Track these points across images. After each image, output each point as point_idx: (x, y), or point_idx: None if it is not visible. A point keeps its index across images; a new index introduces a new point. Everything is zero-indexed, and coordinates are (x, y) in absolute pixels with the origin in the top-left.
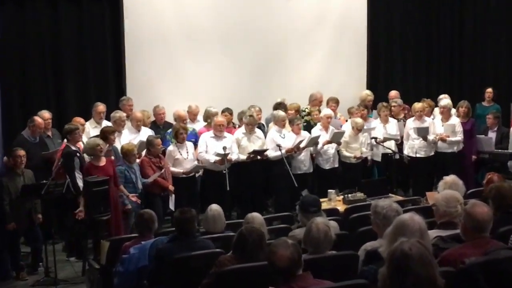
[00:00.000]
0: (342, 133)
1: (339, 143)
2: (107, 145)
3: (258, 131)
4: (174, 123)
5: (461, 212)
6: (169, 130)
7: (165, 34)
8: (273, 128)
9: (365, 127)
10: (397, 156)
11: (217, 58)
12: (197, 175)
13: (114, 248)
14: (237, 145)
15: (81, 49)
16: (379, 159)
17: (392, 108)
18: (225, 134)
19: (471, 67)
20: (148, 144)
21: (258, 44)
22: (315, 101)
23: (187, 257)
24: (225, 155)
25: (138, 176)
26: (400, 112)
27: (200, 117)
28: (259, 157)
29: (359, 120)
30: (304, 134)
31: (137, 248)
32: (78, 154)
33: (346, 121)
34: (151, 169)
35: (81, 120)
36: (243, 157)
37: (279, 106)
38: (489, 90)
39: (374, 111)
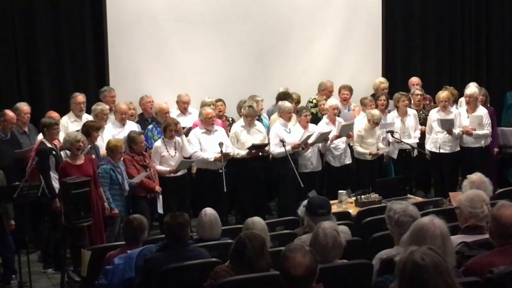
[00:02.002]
0: (351, 125)
1: (349, 136)
2: (89, 144)
3: (258, 124)
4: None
5: (487, 214)
6: (150, 126)
7: (153, 16)
8: (277, 121)
9: (381, 122)
10: (416, 152)
11: (211, 43)
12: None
13: (96, 258)
14: (236, 140)
15: (57, 33)
16: (395, 156)
17: (415, 96)
18: (216, 127)
19: (500, 51)
20: (130, 141)
21: (257, 26)
22: (324, 90)
23: (179, 268)
24: (225, 153)
25: (124, 177)
26: (421, 102)
27: (192, 109)
28: (260, 154)
29: (376, 112)
30: (312, 128)
31: (123, 258)
32: (54, 152)
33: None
34: (134, 169)
35: (56, 114)
36: (243, 153)
37: (285, 96)
38: None
39: (391, 102)
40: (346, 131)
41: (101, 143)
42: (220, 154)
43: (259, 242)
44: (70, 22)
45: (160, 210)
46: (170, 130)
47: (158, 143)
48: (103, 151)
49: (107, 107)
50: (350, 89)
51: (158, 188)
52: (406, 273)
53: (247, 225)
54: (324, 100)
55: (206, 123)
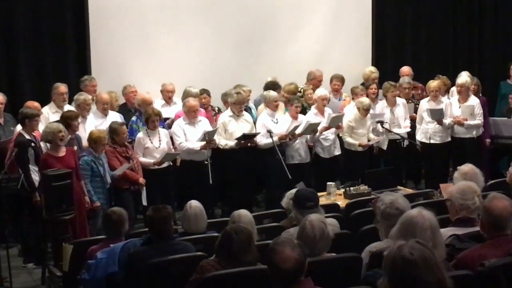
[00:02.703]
0: (341, 117)
1: (338, 127)
2: (69, 135)
3: (246, 114)
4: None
5: (479, 206)
6: (134, 118)
7: (136, 3)
8: (264, 112)
9: (371, 112)
10: (406, 143)
11: (196, 31)
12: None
13: (78, 252)
14: (224, 130)
15: (37, 21)
16: (385, 147)
17: (402, 88)
18: (199, 117)
19: (493, 40)
20: (112, 132)
21: (244, 13)
22: (313, 80)
23: (163, 262)
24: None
25: (106, 169)
26: (410, 93)
27: (176, 98)
28: (249, 144)
29: (365, 99)
30: (301, 119)
31: (105, 252)
32: (33, 144)
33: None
34: (117, 160)
35: (37, 104)
36: (232, 143)
37: (273, 85)
38: None
39: (380, 91)
40: (335, 122)
41: (84, 134)
42: (205, 142)
43: (246, 235)
44: (50, 9)
45: (144, 202)
46: (152, 121)
47: (141, 135)
48: (85, 142)
49: (90, 97)
50: (342, 80)
51: (142, 180)
52: (396, 269)
53: (233, 218)
54: (310, 89)
55: (189, 115)
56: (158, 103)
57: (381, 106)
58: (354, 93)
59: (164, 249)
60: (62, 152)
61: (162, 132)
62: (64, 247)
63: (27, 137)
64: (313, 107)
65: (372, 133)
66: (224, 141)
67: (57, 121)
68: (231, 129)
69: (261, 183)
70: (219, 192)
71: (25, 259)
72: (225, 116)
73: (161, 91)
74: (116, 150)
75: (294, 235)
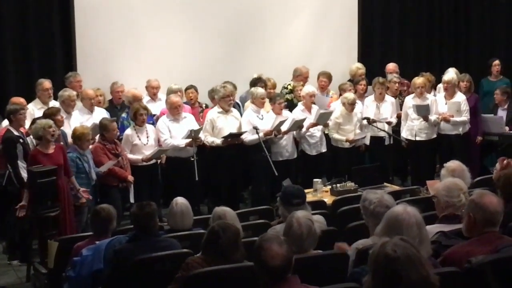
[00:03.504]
0: (330, 114)
1: (326, 125)
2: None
3: (234, 111)
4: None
5: (465, 203)
6: (124, 115)
7: None
8: (249, 108)
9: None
10: (391, 140)
11: (182, 26)
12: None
13: (63, 249)
14: (211, 127)
15: (22, 15)
16: (368, 141)
17: (392, 84)
18: (184, 114)
19: (479, 36)
20: (102, 128)
21: (231, 8)
22: (299, 76)
23: (149, 259)
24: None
25: (91, 165)
26: (398, 90)
27: (161, 95)
28: (236, 142)
29: (349, 94)
30: (286, 115)
31: (91, 249)
32: (21, 140)
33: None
34: (106, 157)
35: (22, 100)
36: (218, 141)
37: (258, 82)
38: (497, 62)
39: (369, 88)
40: (323, 119)
41: (69, 130)
42: (190, 140)
43: (233, 233)
44: (36, 5)
45: (132, 199)
46: (140, 114)
47: (129, 131)
48: (70, 138)
49: (74, 93)
50: (329, 77)
51: (130, 178)
52: (379, 266)
53: (216, 214)
54: (301, 86)
55: (173, 112)
56: (143, 100)
57: (369, 100)
58: (342, 90)
59: (149, 246)
60: (52, 148)
61: (150, 128)
62: (49, 244)
63: (16, 133)
64: (300, 104)
65: (360, 130)
66: (211, 138)
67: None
68: (219, 126)
69: (248, 180)
70: (205, 189)
71: (10, 256)
72: (214, 112)
73: (146, 87)
74: (106, 147)
75: (280, 232)
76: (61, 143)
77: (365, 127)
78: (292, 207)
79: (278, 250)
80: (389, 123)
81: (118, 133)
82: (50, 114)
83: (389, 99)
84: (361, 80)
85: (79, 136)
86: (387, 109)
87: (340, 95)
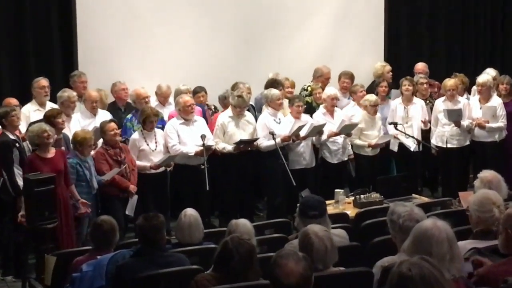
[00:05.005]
0: (354, 126)
1: (349, 135)
2: (55, 134)
3: (248, 115)
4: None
5: (498, 217)
6: (129, 116)
7: None
8: (265, 111)
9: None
10: (420, 147)
11: (192, 23)
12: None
13: (62, 264)
14: (222, 132)
15: (19, 9)
16: (395, 148)
17: (419, 85)
18: (195, 117)
19: None
20: (100, 130)
21: (245, 3)
22: (320, 77)
23: (154, 276)
24: (207, 146)
25: (93, 173)
26: (427, 91)
27: (172, 99)
28: (249, 149)
29: (371, 96)
30: (305, 119)
31: (92, 265)
32: (17, 144)
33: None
34: (106, 164)
35: (14, 100)
36: (230, 147)
37: (274, 83)
38: None
39: (393, 91)
40: (347, 130)
41: (69, 134)
42: (201, 148)
43: (247, 250)
44: None
45: (128, 211)
46: (150, 121)
47: (136, 136)
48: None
49: (74, 93)
50: (351, 77)
51: (132, 188)
52: (392, 285)
53: (230, 228)
54: (319, 88)
55: (185, 112)
56: (151, 103)
57: (396, 103)
58: (352, 92)
59: (155, 262)
60: (51, 153)
61: (159, 133)
62: (47, 258)
63: (11, 137)
64: (321, 107)
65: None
66: (222, 144)
67: (38, 121)
68: (230, 131)
69: (262, 190)
70: (216, 200)
71: (4, 271)
72: (225, 116)
73: (156, 94)
74: (108, 152)
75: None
76: (63, 148)
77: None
78: (308, 219)
79: (294, 267)
80: (425, 122)
81: (120, 136)
82: (50, 116)
83: (419, 102)
84: (381, 81)
85: (80, 142)
86: (417, 111)
87: (353, 99)
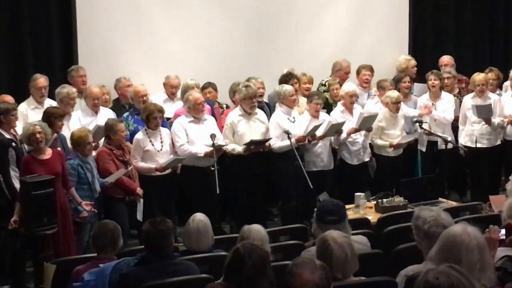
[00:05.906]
0: (374, 117)
1: (369, 130)
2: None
3: (260, 113)
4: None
5: None
6: (125, 114)
7: None
8: (278, 109)
9: (401, 111)
10: (449, 146)
11: (202, 15)
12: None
13: (62, 273)
14: (231, 131)
15: (15, 1)
16: (424, 148)
17: (443, 80)
18: (206, 116)
19: None
20: (108, 129)
21: None
22: (339, 71)
23: (161, 286)
24: (217, 146)
25: (95, 175)
26: (454, 86)
27: (179, 93)
28: (261, 150)
29: (393, 92)
30: (323, 117)
31: (94, 274)
32: (14, 144)
33: None
34: (113, 164)
35: (10, 98)
36: (240, 148)
37: (288, 76)
38: None
39: (416, 85)
40: (368, 123)
41: (68, 133)
42: (211, 148)
43: (260, 257)
44: None
45: (139, 217)
46: (154, 118)
47: (140, 135)
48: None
49: (74, 90)
50: (371, 69)
51: (139, 190)
52: None
53: (243, 234)
54: (337, 83)
55: (196, 110)
56: (159, 98)
57: (423, 99)
58: (381, 87)
59: (162, 270)
60: (48, 154)
61: (164, 132)
62: (45, 266)
63: (7, 136)
64: (339, 104)
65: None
66: (232, 145)
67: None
68: (241, 131)
69: (277, 193)
70: (227, 204)
71: (0, 280)
72: (234, 114)
73: (164, 84)
74: (113, 152)
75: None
76: (58, 148)
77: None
78: (326, 225)
79: (309, 277)
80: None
81: (128, 136)
82: (51, 114)
83: (447, 97)
84: (404, 76)
85: (77, 141)
86: (445, 107)
87: (380, 94)
